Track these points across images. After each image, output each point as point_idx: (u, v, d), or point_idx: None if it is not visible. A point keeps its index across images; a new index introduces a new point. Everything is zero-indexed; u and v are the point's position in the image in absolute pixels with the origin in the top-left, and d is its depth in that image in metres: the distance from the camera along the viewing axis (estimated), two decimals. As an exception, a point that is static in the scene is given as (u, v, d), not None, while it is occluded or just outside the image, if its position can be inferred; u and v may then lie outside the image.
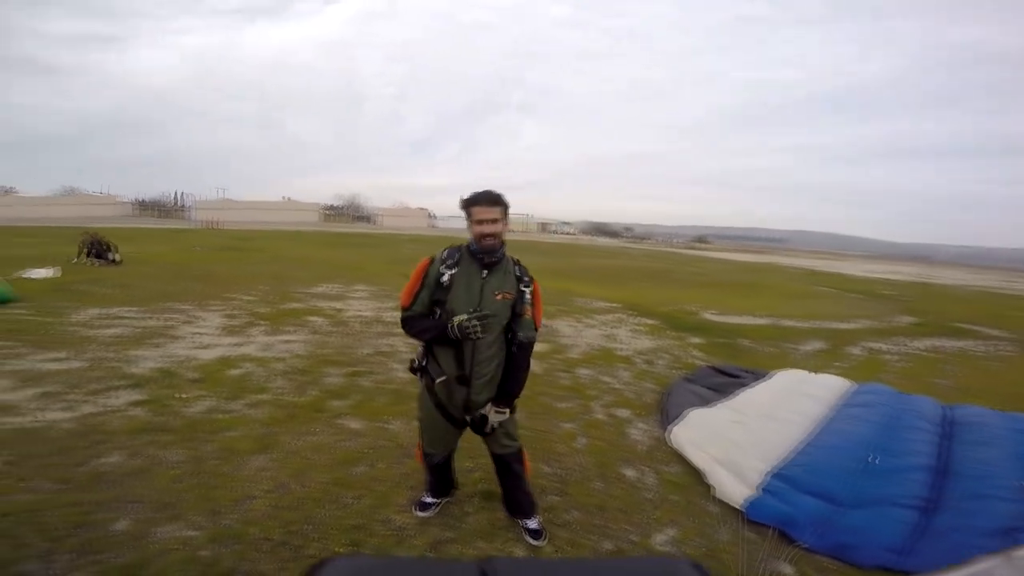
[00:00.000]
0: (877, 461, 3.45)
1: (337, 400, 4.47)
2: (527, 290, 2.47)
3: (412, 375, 2.59)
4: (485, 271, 2.43)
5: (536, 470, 3.42)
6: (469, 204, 2.40)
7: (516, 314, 2.46)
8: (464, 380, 2.46)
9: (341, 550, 2.54)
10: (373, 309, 8.75)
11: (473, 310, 2.35)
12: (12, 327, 6.33)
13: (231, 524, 2.67)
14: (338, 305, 8.92)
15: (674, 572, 0.49)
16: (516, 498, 2.77)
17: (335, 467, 3.30)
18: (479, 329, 2.31)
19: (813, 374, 5.79)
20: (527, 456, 2.79)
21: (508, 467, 2.70)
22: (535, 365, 5.82)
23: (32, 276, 10.27)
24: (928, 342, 9.71)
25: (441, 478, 2.89)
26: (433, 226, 72.83)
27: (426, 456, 2.76)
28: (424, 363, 2.53)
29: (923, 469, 3.42)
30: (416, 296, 2.44)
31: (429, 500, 2.90)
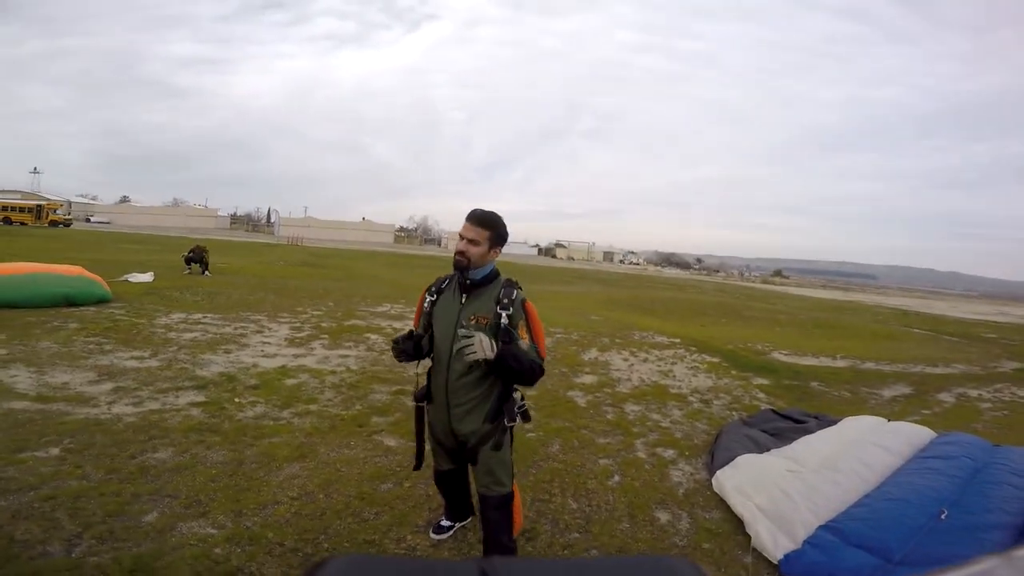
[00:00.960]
0: (944, 516, 3.03)
1: (379, 416, 4.56)
2: (504, 312, 2.23)
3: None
4: (464, 296, 2.33)
5: (562, 505, 3.32)
6: (465, 219, 2.33)
7: (505, 340, 2.22)
8: (432, 403, 2.44)
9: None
10: (429, 329, 8.92)
11: (451, 337, 2.28)
12: (107, 326, 7.00)
13: (251, 526, 2.77)
14: (397, 324, 9.17)
15: (673, 571, 0.46)
16: (492, 545, 2.49)
17: (363, 481, 3.35)
18: (397, 345, 2.30)
19: (889, 421, 5.25)
20: (519, 506, 2.55)
21: (486, 511, 2.44)
22: (579, 397, 5.72)
23: (132, 280, 11.34)
24: (1035, 390, 8.61)
25: (454, 501, 2.82)
26: (500, 251, 73.94)
27: (435, 474, 2.72)
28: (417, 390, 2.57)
29: (1005, 528, 2.95)
30: (420, 320, 2.48)
31: (445, 523, 2.87)
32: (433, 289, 2.42)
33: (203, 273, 13.83)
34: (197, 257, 14.09)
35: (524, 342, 2.24)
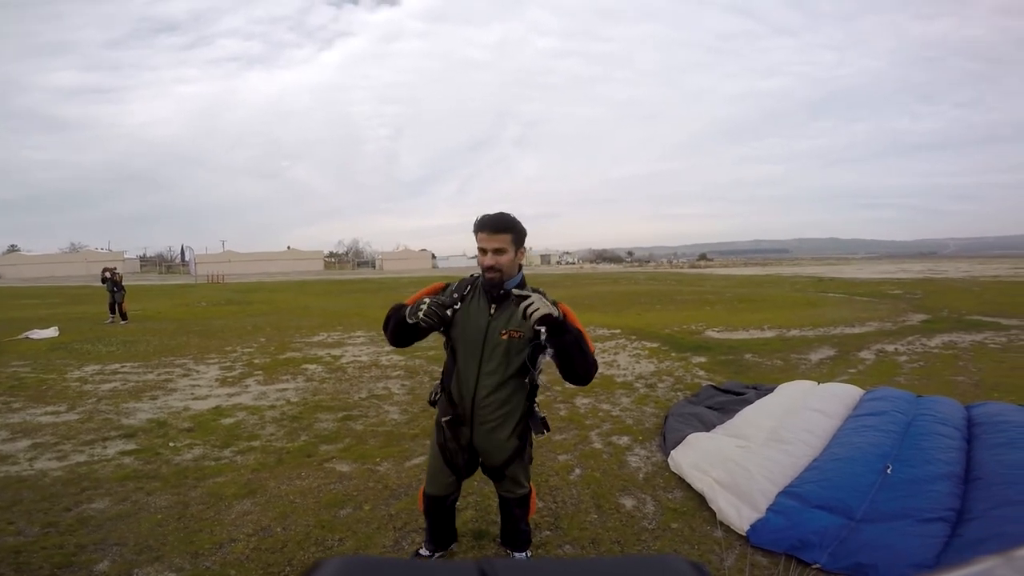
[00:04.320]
0: (890, 471, 3.26)
1: (327, 444, 4.38)
2: (543, 328, 2.02)
3: (431, 407, 2.44)
4: (493, 306, 2.17)
5: (529, 505, 3.32)
6: (476, 230, 2.14)
7: (534, 355, 2.12)
8: (458, 421, 2.26)
9: None
10: (370, 354, 8.67)
11: (480, 352, 2.15)
12: (12, 384, 6.40)
13: (210, 566, 2.63)
14: (335, 352, 8.86)
15: (672, 571, 0.46)
16: (512, 533, 2.61)
17: (320, 510, 3.20)
18: (420, 312, 2.02)
19: (819, 384, 5.60)
20: (535, 496, 2.65)
21: (510, 510, 2.51)
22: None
23: (35, 337, 10.36)
24: (942, 338, 9.49)
25: (439, 527, 2.62)
26: (435, 267, 73.30)
27: (425, 498, 2.51)
28: (437, 396, 2.37)
29: (946, 478, 3.19)
30: (417, 301, 2.17)
31: (425, 552, 2.66)
32: (456, 295, 2.19)
33: (123, 321, 12.82)
34: (115, 280, 12.98)
35: None
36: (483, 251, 2.11)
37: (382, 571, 0.44)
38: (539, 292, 2.12)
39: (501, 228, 2.10)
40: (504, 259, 2.11)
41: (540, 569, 0.53)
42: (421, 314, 2.03)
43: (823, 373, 6.88)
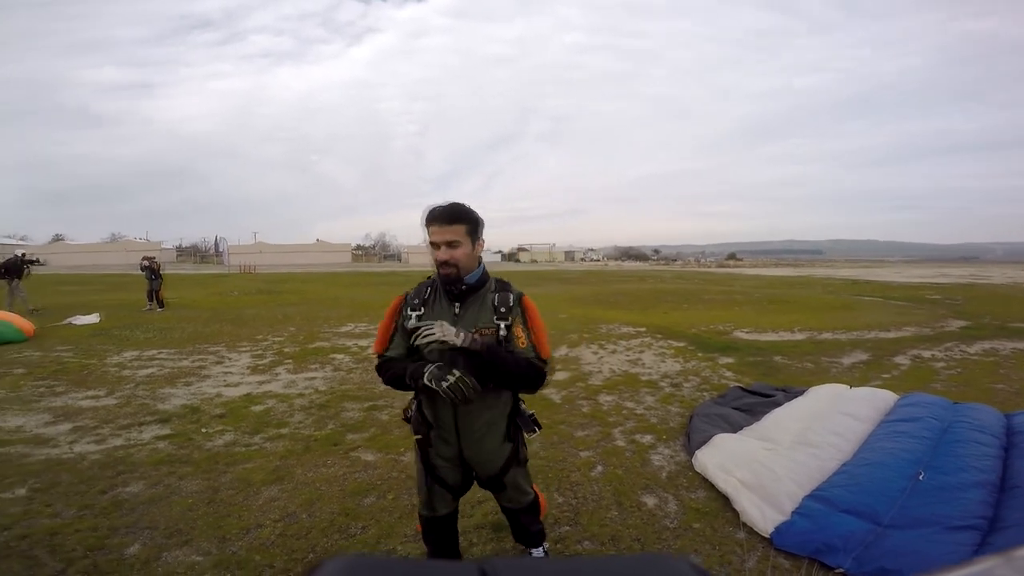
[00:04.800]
0: (922, 477, 3.17)
1: (353, 433, 4.47)
2: (502, 323, 1.96)
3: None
4: (457, 305, 2.01)
5: (549, 500, 3.30)
6: (425, 223, 1.95)
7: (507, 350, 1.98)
8: (438, 438, 2.10)
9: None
10: (396, 343, 8.81)
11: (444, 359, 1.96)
12: (56, 368, 6.68)
13: (237, 551, 2.71)
14: (363, 343, 9.00)
15: (672, 571, 0.46)
16: (525, 535, 2.50)
17: (345, 498, 3.28)
18: (445, 384, 1.85)
19: (851, 388, 5.46)
20: (544, 499, 2.57)
21: (517, 519, 2.40)
22: (553, 394, 5.73)
23: (77, 323, 10.78)
24: (982, 345, 9.11)
25: (441, 551, 2.33)
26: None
27: (422, 522, 2.29)
28: (411, 414, 2.18)
29: (980, 486, 3.08)
30: (391, 339, 2.10)
31: None
32: (416, 301, 2.06)
33: (160, 308, 13.30)
34: (152, 268, 13.52)
35: (521, 342, 1.98)
36: (435, 245, 1.94)
37: (384, 571, 0.45)
38: (508, 286, 2.07)
39: (453, 218, 1.92)
40: (460, 252, 1.93)
41: (540, 569, 0.54)
42: (446, 386, 1.85)
43: (855, 378, 6.70)
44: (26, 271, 12.95)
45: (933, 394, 5.23)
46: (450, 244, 1.92)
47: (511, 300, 2.00)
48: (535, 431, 2.17)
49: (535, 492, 2.40)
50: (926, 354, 8.40)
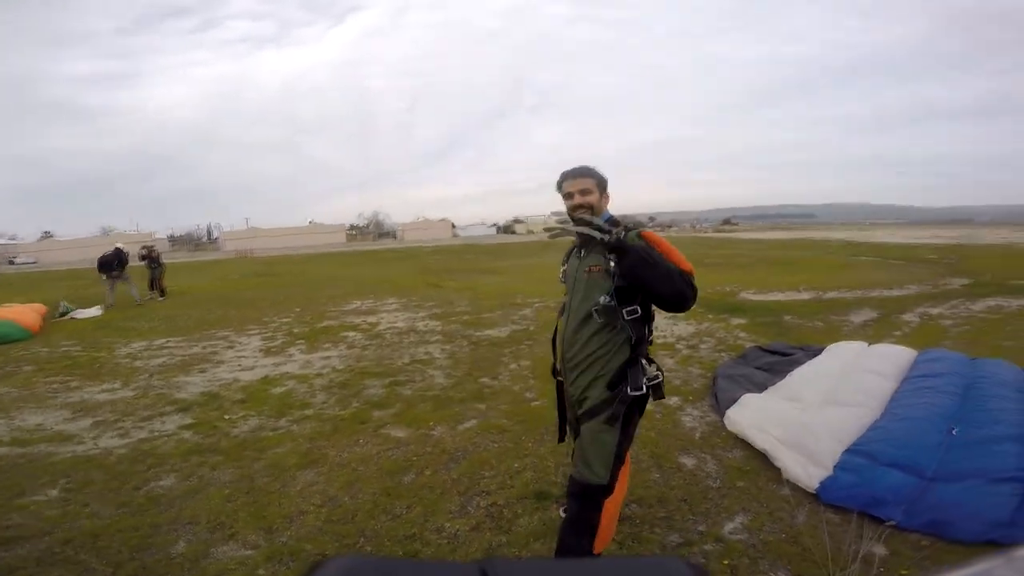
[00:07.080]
0: (956, 432, 3.17)
1: (379, 411, 4.43)
2: (612, 256, 1.95)
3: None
4: (582, 251, 2.19)
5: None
6: (559, 184, 2.19)
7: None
8: (554, 371, 2.32)
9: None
10: (406, 320, 8.76)
11: (571, 294, 2.19)
12: (67, 363, 6.59)
13: (286, 541, 2.64)
14: (371, 319, 8.96)
15: (671, 572, 0.43)
16: (560, 552, 2.09)
17: (383, 477, 3.24)
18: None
19: (870, 346, 5.45)
20: (613, 511, 2.07)
21: (569, 499, 2.09)
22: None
23: (80, 316, 10.67)
24: (987, 303, 9.14)
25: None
26: (456, 236, 73.19)
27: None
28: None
29: (1012, 439, 3.10)
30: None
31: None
32: (564, 258, 2.37)
33: (161, 297, 13.19)
34: (152, 257, 13.41)
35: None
36: (570, 195, 2.16)
37: (383, 571, 0.42)
38: (630, 226, 2.03)
39: (584, 174, 2.17)
40: (591, 197, 2.14)
41: (541, 569, 0.52)
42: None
43: (868, 335, 6.69)
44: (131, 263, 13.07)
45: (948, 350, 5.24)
46: (583, 192, 2.14)
47: (623, 235, 1.97)
48: (643, 390, 2.01)
49: (608, 487, 2.00)
50: (933, 311, 8.42)
